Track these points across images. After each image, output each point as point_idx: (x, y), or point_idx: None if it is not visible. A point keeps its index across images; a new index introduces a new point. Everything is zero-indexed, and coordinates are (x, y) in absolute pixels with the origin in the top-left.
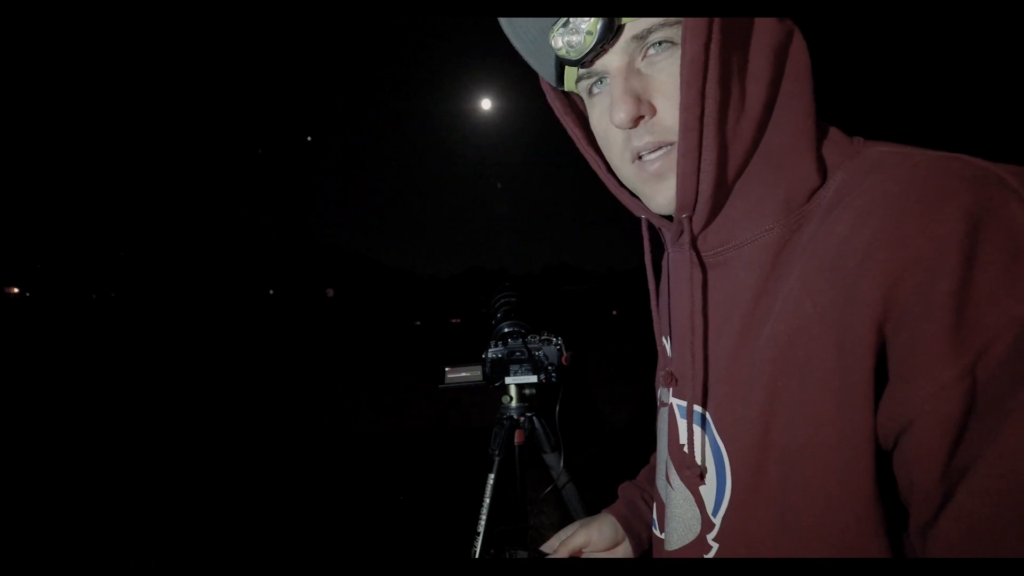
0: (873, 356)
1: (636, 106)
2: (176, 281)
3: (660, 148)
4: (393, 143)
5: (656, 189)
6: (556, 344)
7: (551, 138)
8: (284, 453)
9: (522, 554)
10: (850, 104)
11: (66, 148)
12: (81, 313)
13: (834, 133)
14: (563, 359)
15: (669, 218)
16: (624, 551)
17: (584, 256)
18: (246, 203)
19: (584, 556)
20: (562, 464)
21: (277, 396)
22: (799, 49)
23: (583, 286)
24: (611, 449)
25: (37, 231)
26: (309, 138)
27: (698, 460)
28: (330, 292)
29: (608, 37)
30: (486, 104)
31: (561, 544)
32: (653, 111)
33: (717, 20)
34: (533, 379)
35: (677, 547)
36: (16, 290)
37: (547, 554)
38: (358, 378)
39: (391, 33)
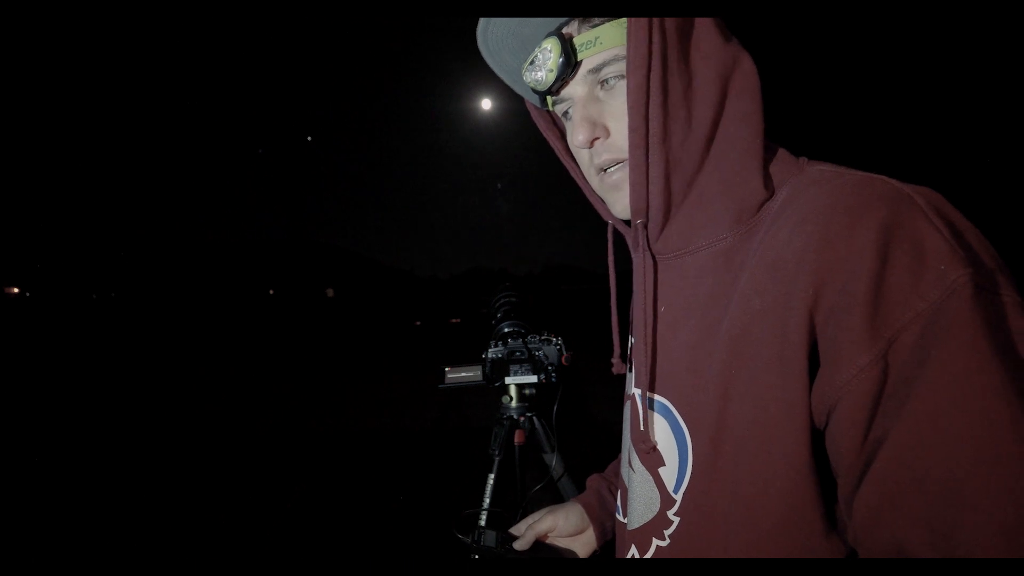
0: (807, 344)
1: (592, 130)
2: (176, 281)
3: (617, 163)
4: (393, 143)
5: (615, 198)
6: (556, 344)
7: None
8: (284, 453)
9: (490, 534)
10: (800, 127)
11: (66, 148)
12: (81, 313)
13: (782, 153)
14: (563, 359)
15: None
16: (588, 537)
17: (584, 256)
18: (246, 203)
19: (549, 540)
20: (555, 462)
21: (277, 396)
22: (747, 73)
23: (583, 286)
24: (609, 447)
25: (37, 231)
26: (309, 138)
27: (658, 442)
28: (330, 292)
29: (567, 72)
30: (486, 104)
31: (529, 528)
32: (607, 133)
33: (656, 54)
34: (533, 379)
35: (639, 525)
36: (16, 290)
37: (516, 536)
38: (358, 378)
39: (391, 33)
